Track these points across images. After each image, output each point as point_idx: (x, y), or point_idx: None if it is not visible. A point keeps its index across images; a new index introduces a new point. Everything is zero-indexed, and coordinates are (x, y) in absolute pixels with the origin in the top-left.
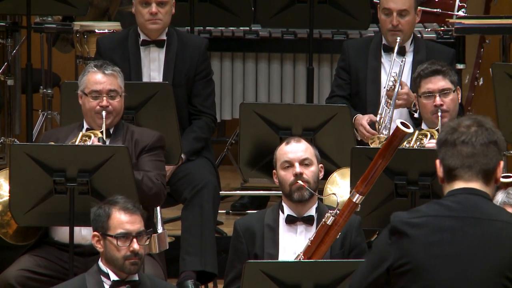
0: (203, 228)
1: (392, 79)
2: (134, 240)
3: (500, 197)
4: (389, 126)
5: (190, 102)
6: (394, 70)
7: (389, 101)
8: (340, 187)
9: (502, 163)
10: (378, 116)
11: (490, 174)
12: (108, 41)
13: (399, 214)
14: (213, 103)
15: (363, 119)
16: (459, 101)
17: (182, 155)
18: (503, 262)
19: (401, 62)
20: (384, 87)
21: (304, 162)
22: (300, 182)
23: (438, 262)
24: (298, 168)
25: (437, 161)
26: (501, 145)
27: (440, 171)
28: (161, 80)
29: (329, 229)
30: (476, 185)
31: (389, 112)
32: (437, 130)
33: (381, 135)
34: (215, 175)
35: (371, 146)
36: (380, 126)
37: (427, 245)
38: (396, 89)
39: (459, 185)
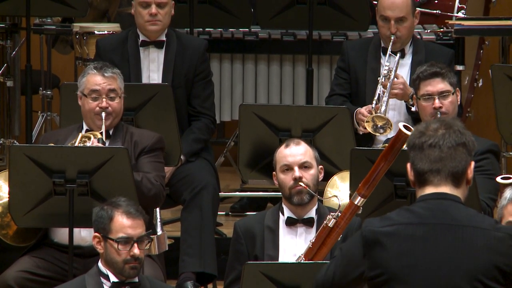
0: (203, 230)
1: (386, 68)
2: (135, 244)
3: (508, 194)
4: (384, 114)
5: (189, 103)
6: (391, 65)
7: (384, 90)
8: (340, 190)
9: (473, 164)
10: (374, 102)
11: (460, 176)
12: (108, 42)
13: (371, 222)
14: (212, 104)
15: (362, 109)
16: (459, 103)
17: (182, 157)
18: (477, 268)
19: (397, 56)
20: (379, 78)
21: (303, 166)
22: (301, 184)
23: (411, 271)
24: (297, 172)
25: (408, 165)
26: (470, 147)
27: (410, 175)
28: (160, 81)
29: (331, 231)
30: (446, 189)
31: (384, 101)
32: None
33: (376, 114)
34: (215, 177)
35: (366, 127)
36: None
37: (399, 255)
38: (391, 79)
39: (429, 189)
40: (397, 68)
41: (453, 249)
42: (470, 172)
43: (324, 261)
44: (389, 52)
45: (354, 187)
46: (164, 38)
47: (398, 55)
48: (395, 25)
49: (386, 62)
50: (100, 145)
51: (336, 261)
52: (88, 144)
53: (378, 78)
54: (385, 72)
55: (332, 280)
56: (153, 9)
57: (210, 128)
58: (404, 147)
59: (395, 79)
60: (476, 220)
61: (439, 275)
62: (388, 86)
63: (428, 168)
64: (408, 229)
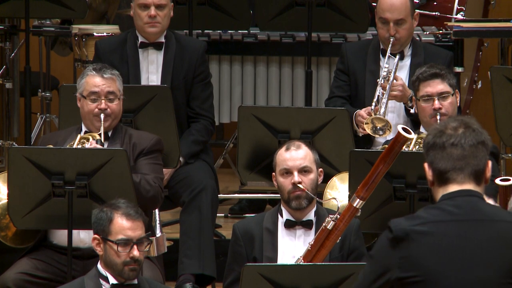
0: (202, 231)
1: (385, 69)
2: (135, 246)
3: None
4: (384, 115)
5: (188, 105)
6: (390, 67)
7: (384, 92)
8: (339, 192)
9: (490, 163)
10: (373, 104)
11: (481, 174)
12: (107, 44)
13: (399, 222)
14: (211, 106)
15: (361, 111)
16: (458, 104)
17: (181, 158)
18: None
19: (396, 58)
20: (378, 80)
21: (303, 170)
22: (300, 186)
23: (448, 268)
24: (296, 177)
25: (425, 165)
26: (488, 145)
27: (429, 174)
28: (159, 82)
29: (329, 234)
30: (470, 186)
31: (384, 102)
32: None
33: (375, 116)
34: (214, 178)
35: (365, 129)
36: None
37: (435, 252)
38: (390, 80)
39: (453, 187)
40: (397, 70)
41: (488, 245)
42: (488, 171)
43: (323, 263)
44: (388, 54)
45: (353, 189)
46: (163, 40)
47: (397, 57)
48: (394, 27)
49: (385, 64)
50: (98, 146)
51: (365, 269)
52: (87, 145)
53: (378, 80)
54: (384, 73)
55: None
56: (152, 11)
57: (209, 130)
58: (405, 148)
59: (394, 81)
60: (505, 215)
61: (476, 271)
62: (387, 87)
63: (451, 166)
64: (440, 227)
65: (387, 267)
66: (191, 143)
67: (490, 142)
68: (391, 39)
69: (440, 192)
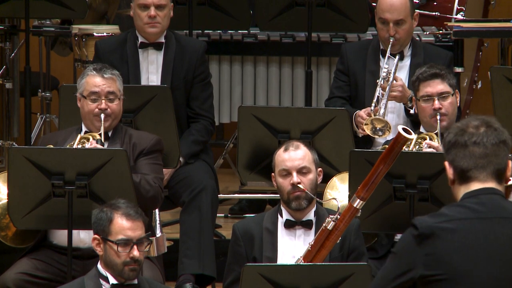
0: (202, 231)
1: (385, 70)
2: (135, 246)
3: None
4: (383, 116)
5: (188, 105)
6: (390, 67)
7: (383, 92)
8: (340, 192)
9: (510, 163)
10: (373, 105)
11: (502, 173)
12: (107, 44)
13: (424, 219)
14: (211, 106)
15: (361, 111)
16: (458, 104)
17: (181, 158)
18: None
19: (396, 58)
20: (378, 80)
21: (301, 171)
22: (300, 186)
23: (474, 266)
24: (295, 178)
25: (446, 163)
26: (509, 144)
27: (450, 173)
28: (159, 82)
29: (330, 234)
30: (492, 184)
31: (383, 103)
32: (436, 134)
33: (374, 116)
34: (214, 178)
35: (365, 129)
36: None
37: (461, 250)
38: (390, 81)
39: (475, 186)
40: (396, 70)
41: None
42: (509, 170)
43: (323, 263)
44: (388, 54)
45: (353, 189)
46: (163, 40)
47: (397, 57)
48: (393, 27)
49: (385, 65)
50: (99, 146)
51: (386, 266)
52: (87, 145)
53: (377, 81)
54: (384, 74)
55: (386, 284)
56: (152, 11)
57: (209, 130)
58: (405, 148)
59: (394, 81)
60: None
61: (502, 269)
62: (387, 88)
63: (473, 165)
64: (466, 224)
65: (412, 264)
66: (191, 143)
67: (510, 141)
68: (391, 40)
69: (462, 191)
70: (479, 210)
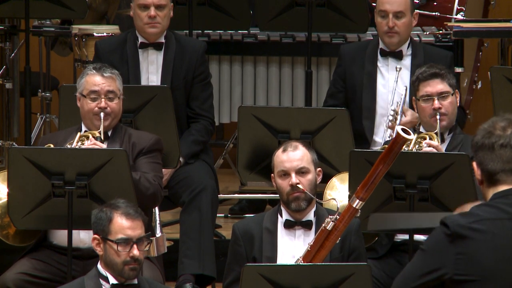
0: (202, 232)
1: (391, 112)
2: (134, 246)
3: None
4: None
5: (188, 105)
6: (396, 99)
7: (392, 134)
8: (339, 192)
9: None
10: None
11: None
12: (107, 44)
13: (456, 218)
14: (211, 106)
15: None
16: (458, 104)
17: (181, 158)
18: None
19: (397, 69)
20: (385, 122)
21: (300, 171)
22: (300, 186)
23: (505, 267)
24: (294, 179)
25: (474, 164)
26: None
27: (478, 174)
28: (159, 82)
29: (329, 234)
30: None
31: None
32: (436, 133)
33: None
34: (214, 178)
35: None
36: None
37: (494, 250)
38: (398, 120)
39: (503, 187)
40: (398, 79)
41: None
42: None
43: (322, 263)
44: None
45: (353, 189)
46: (163, 40)
47: (398, 72)
48: (393, 20)
49: (392, 106)
50: (98, 142)
51: (414, 262)
52: (86, 143)
53: (385, 124)
54: (391, 116)
55: (413, 281)
56: (152, 11)
57: (209, 130)
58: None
59: (403, 116)
60: None
61: None
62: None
63: (500, 168)
64: (497, 224)
65: (442, 263)
66: (191, 143)
67: None
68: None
69: (491, 191)
70: (510, 211)
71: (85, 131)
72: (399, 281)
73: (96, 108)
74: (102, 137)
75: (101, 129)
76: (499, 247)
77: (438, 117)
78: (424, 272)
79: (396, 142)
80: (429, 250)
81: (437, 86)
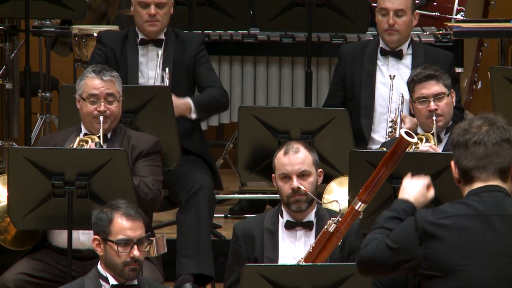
0: (199, 231)
1: (390, 123)
2: (135, 246)
3: None
4: None
5: (197, 86)
6: (393, 105)
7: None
8: (338, 196)
9: None
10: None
11: (506, 171)
12: (108, 35)
13: (425, 214)
14: (218, 79)
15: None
16: (454, 104)
17: (192, 106)
18: None
19: (391, 77)
20: (385, 135)
21: (302, 174)
22: (302, 187)
23: (471, 262)
24: (295, 182)
25: (452, 162)
26: None
27: (455, 172)
28: (158, 79)
29: (331, 236)
30: (496, 182)
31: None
32: (433, 134)
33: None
34: (212, 177)
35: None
36: None
37: (459, 247)
38: (397, 131)
39: (478, 185)
40: (394, 81)
41: (511, 240)
42: None
43: (323, 264)
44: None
45: (353, 189)
46: (163, 37)
47: (392, 80)
48: (393, 17)
49: (389, 122)
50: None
51: (384, 243)
52: (86, 147)
53: (385, 136)
54: (390, 128)
55: (377, 259)
56: (152, 9)
57: (224, 94)
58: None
59: (403, 123)
60: None
61: (499, 266)
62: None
63: (474, 165)
64: (465, 221)
65: (412, 255)
66: (205, 93)
67: None
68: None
69: (467, 190)
70: (479, 208)
71: (85, 133)
72: (365, 255)
73: (96, 112)
74: (102, 141)
75: (101, 132)
76: (464, 243)
77: (434, 118)
78: (398, 260)
79: (400, 145)
80: (401, 244)
81: (432, 87)
